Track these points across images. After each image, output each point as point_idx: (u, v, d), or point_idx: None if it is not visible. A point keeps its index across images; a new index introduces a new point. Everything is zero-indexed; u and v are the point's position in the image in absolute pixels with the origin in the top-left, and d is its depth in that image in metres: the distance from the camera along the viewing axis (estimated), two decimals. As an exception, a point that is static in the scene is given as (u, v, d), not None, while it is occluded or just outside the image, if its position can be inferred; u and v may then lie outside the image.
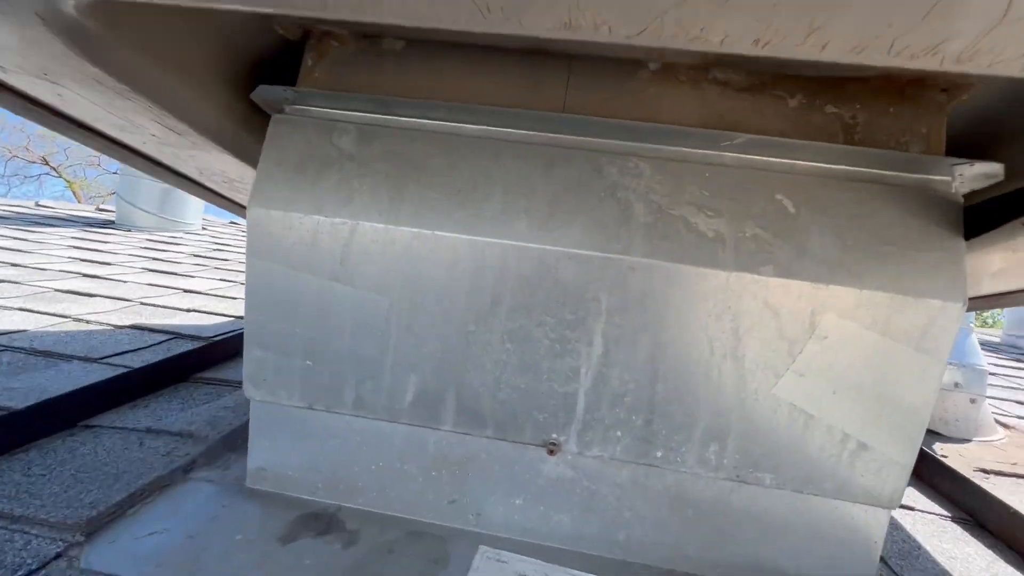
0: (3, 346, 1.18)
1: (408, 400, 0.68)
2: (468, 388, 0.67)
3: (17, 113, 0.68)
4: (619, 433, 0.66)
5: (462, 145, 0.65)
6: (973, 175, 0.59)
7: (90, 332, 1.36)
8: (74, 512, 0.64)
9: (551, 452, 0.66)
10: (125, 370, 1.06)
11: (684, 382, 0.63)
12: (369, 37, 0.70)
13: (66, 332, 1.34)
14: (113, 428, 0.87)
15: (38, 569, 0.56)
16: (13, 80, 0.62)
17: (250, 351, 0.69)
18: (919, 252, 0.59)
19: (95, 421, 0.89)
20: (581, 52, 0.67)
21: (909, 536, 0.84)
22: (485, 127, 0.65)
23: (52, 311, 1.49)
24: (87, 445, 0.81)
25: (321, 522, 0.69)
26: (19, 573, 0.55)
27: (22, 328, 1.32)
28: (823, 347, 0.60)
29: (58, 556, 0.58)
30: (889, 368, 0.60)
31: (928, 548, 0.81)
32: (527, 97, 0.67)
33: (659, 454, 0.65)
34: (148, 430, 0.87)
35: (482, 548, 0.67)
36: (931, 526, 0.89)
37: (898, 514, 0.91)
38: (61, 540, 0.60)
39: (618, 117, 0.64)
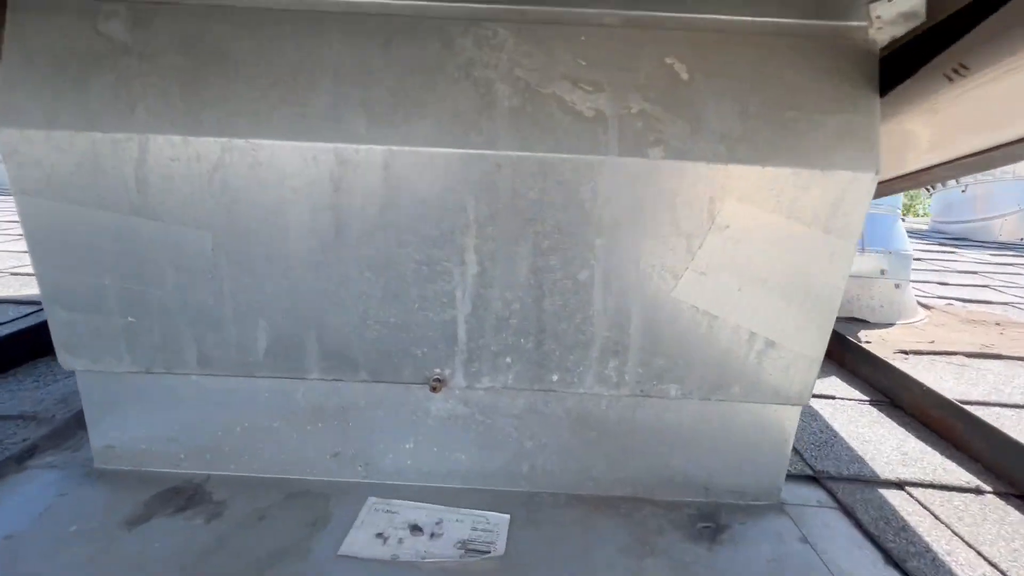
0: None
1: (262, 350, 0.58)
2: (329, 329, 0.57)
3: None
4: (509, 360, 0.58)
5: (274, 21, 0.50)
6: (891, 17, 0.49)
7: (-64, 309, 1.17)
8: None
9: (434, 389, 0.58)
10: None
11: (574, 295, 0.55)
12: None
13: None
14: (-62, 419, 0.73)
15: None
16: None
17: (53, 314, 0.56)
18: (827, 116, 0.50)
19: (-81, 412, 0.75)
20: None
21: (827, 425, 0.83)
22: (298, -5, 0.50)
23: None
24: (-101, 443, 0.67)
25: (182, 497, 0.60)
26: None
27: None
28: (724, 239, 0.52)
29: None
30: (796, 255, 0.53)
31: (844, 435, 0.80)
32: (355, -48, 0.51)
33: (555, 378, 0.58)
34: (-19, 416, 0.74)
35: (371, 500, 0.60)
36: (849, 412, 0.89)
37: (819, 404, 0.91)
38: None
39: (472, -28, 0.50)
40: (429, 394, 0.60)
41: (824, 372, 1.06)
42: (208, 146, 0.50)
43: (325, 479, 0.63)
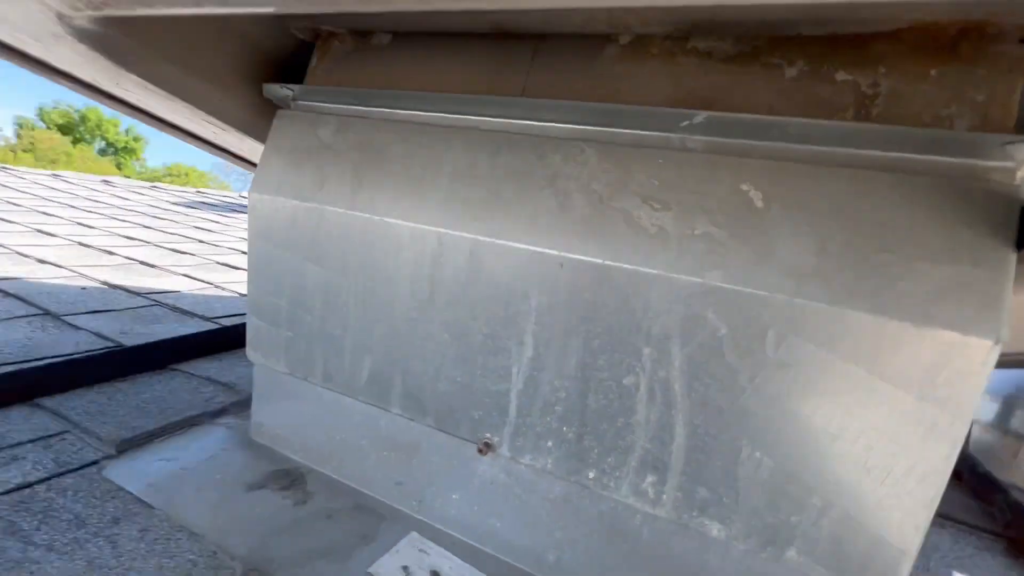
0: (155, 301, 1.51)
1: (364, 378, 0.71)
2: (412, 374, 0.68)
3: (123, 113, 0.87)
4: (550, 443, 0.60)
5: (419, 133, 0.66)
6: None
7: (220, 297, 1.67)
8: (117, 432, 0.80)
9: (481, 452, 0.64)
10: (216, 327, 1.29)
11: (617, 398, 0.56)
12: (363, 34, 0.74)
13: (205, 296, 1.67)
14: (187, 373, 1.06)
15: (77, 469, 0.72)
16: (107, 88, 0.80)
17: (250, 319, 0.79)
18: (933, 265, 0.43)
19: (181, 366, 1.10)
20: (547, 30, 0.62)
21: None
22: (441, 114, 0.65)
23: (204, 279, 1.86)
24: (163, 384, 1.00)
25: (288, 479, 0.76)
26: (62, 469, 0.71)
27: (176, 289, 1.68)
28: (786, 378, 0.48)
29: (94, 463, 0.74)
30: (879, 418, 0.45)
31: None
32: (490, 82, 0.65)
33: (591, 475, 0.59)
34: (207, 378, 1.05)
35: (413, 534, 0.68)
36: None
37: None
38: (102, 452, 0.77)
39: (577, 99, 0.59)
40: (478, 455, 0.66)
41: (1023, 585, 0.78)
42: (359, 218, 0.67)
43: (387, 502, 0.73)
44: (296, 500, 0.71)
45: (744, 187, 0.50)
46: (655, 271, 0.52)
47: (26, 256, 1.84)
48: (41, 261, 1.81)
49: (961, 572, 0.78)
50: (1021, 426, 1.19)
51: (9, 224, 2.30)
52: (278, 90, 0.73)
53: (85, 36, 0.61)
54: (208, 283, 1.82)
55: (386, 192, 0.66)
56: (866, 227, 0.46)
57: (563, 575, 0.63)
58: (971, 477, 1.08)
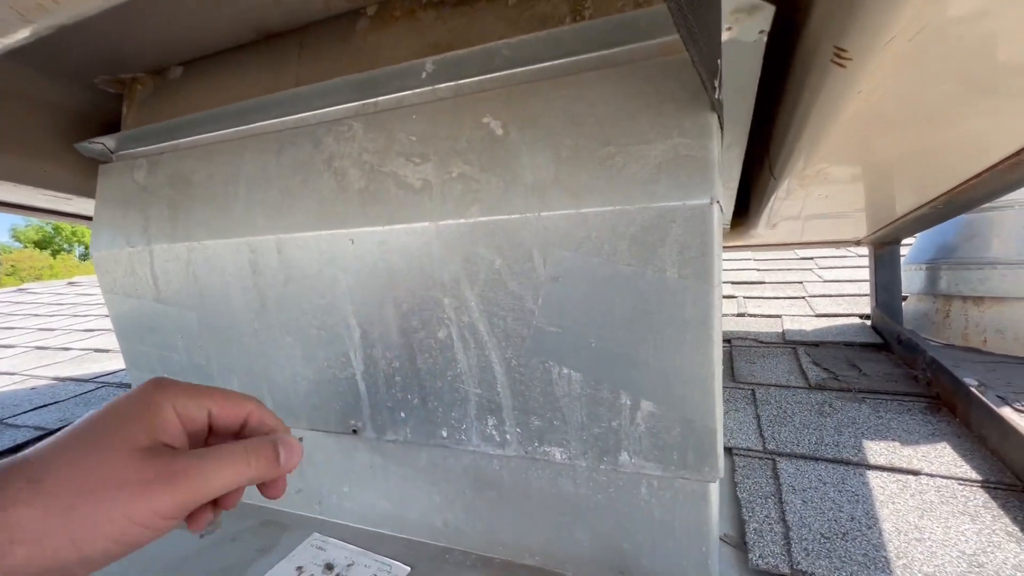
0: (102, 383, 1.53)
1: (238, 400, 0.72)
2: (274, 383, 0.69)
3: None
4: (403, 414, 0.61)
5: (217, 152, 0.67)
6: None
7: (170, 363, 1.69)
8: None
9: (355, 431, 0.65)
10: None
11: (439, 352, 0.56)
12: (159, 72, 0.75)
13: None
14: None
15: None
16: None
17: (129, 371, 0.80)
18: (647, 145, 0.44)
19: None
20: (305, 20, 0.63)
21: (870, 511, 0.62)
22: (232, 128, 0.66)
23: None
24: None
25: (200, 514, 0.77)
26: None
27: (123, 367, 1.70)
28: (560, 291, 0.49)
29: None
30: (644, 302, 0.46)
31: (889, 527, 0.59)
32: (268, 85, 0.66)
33: (444, 433, 0.60)
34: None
35: (314, 535, 0.69)
36: (931, 495, 0.65)
37: (888, 479, 0.68)
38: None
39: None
40: (355, 443, 0.67)
41: (938, 435, 0.78)
42: (180, 249, 0.68)
43: (292, 512, 0.74)
44: (204, 532, 0.72)
45: (485, 120, 0.51)
46: (427, 223, 0.52)
47: (-21, 373, 1.86)
48: (-5, 373, 1.83)
49: (874, 440, 0.79)
50: (947, 287, 1.19)
51: (-31, 346, 2.32)
52: (89, 146, 0.74)
53: None
54: (160, 353, 1.83)
55: (199, 216, 0.67)
56: (589, 128, 0.46)
57: (452, 536, 0.64)
58: (898, 347, 1.09)
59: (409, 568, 0.61)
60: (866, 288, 1.65)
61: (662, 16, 0.44)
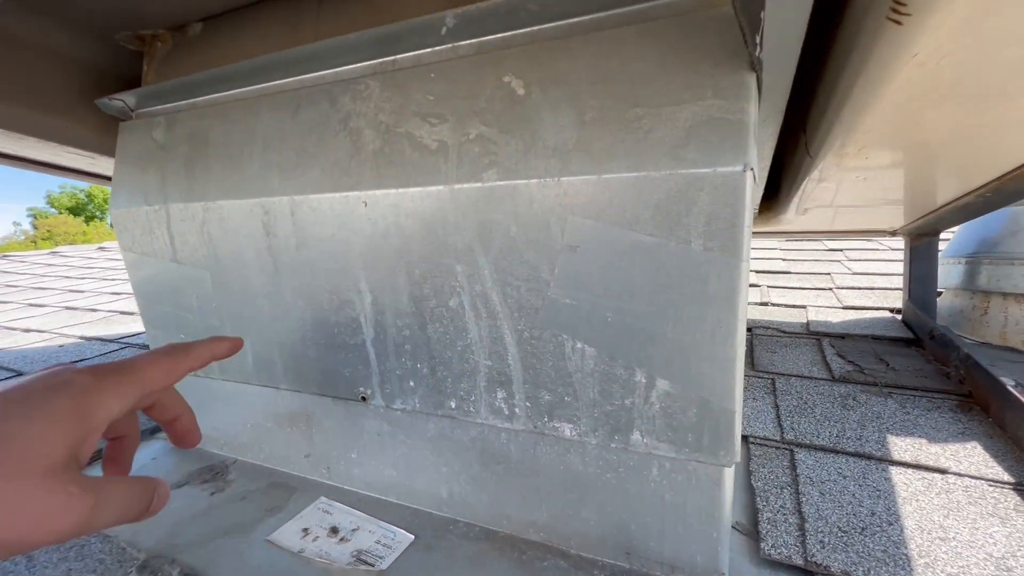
0: (125, 344, 1.57)
1: (251, 363, 0.73)
2: (286, 348, 0.68)
3: (7, 165, 0.90)
4: (412, 383, 0.60)
5: (234, 110, 0.66)
6: None
7: (190, 327, 1.72)
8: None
9: (364, 399, 0.65)
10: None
11: (450, 321, 0.55)
12: (178, 29, 0.74)
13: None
14: (139, 400, 1.10)
15: None
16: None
17: (148, 330, 0.81)
18: (677, 107, 0.41)
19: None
20: (325, -24, 0.61)
21: (891, 506, 0.60)
22: (249, 87, 0.65)
23: (178, 314, 1.91)
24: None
25: (211, 472, 0.78)
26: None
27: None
28: (577, 261, 0.46)
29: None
30: (667, 275, 0.43)
31: (911, 524, 0.57)
32: (288, 43, 0.64)
33: (452, 404, 0.59)
34: (155, 400, 1.08)
35: (321, 499, 0.69)
36: (958, 495, 0.62)
37: (913, 476, 0.65)
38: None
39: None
40: (363, 410, 0.67)
41: (968, 434, 0.75)
42: (196, 209, 0.67)
43: (300, 475, 0.75)
44: (215, 490, 0.74)
45: (506, 79, 0.48)
46: (442, 186, 0.50)
47: (13, 329, 1.93)
48: (26, 331, 1.89)
49: (900, 436, 0.76)
50: (987, 283, 1.13)
51: (3, 304, 2.40)
52: (110, 104, 0.74)
53: None
54: (181, 318, 1.87)
55: (214, 176, 0.66)
56: (618, 87, 0.44)
57: (457, 507, 0.63)
58: (931, 342, 1.04)
59: (413, 536, 0.61)
60: (897, 282, 1.58)
61: (701, -33, 0.41)
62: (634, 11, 0.44)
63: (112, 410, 0.30)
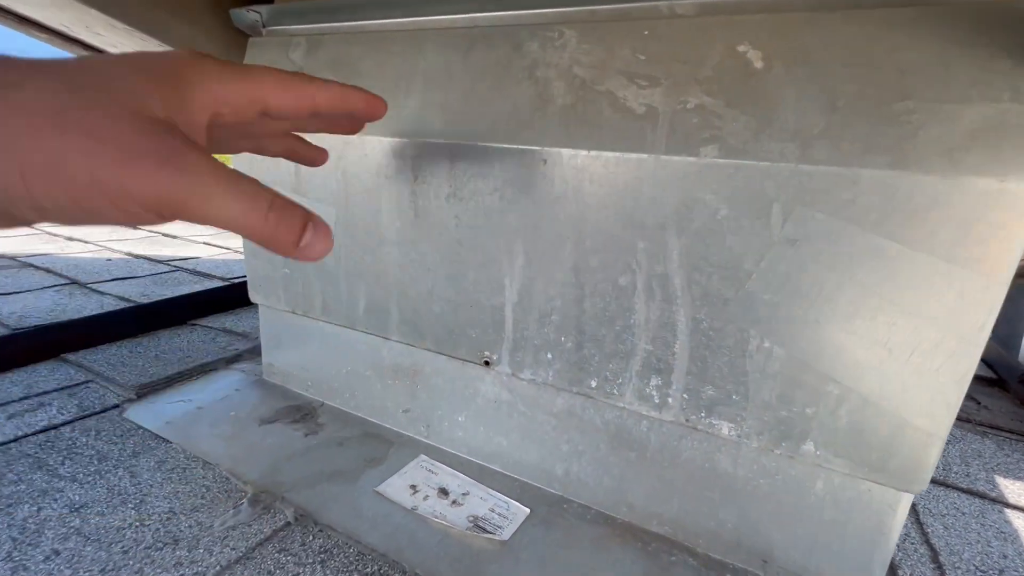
0: (176, 267, 1.55)
1: (361, 309, 0.70)
2: (407, 299, 0.66)
3: None
4: (550, 356, 0.58)
5: (390, 41, 0.62)
6: None
7: (238, 260, 1.70)
8: (137, 379, 0.82)
9: (487, 364, 0.62)
10: (227, 284, 1.31)
11: (614, 300, 0.52)
12: (327, -56, 0.69)
13: (223, 260, 1.69)
14: (205, 327, 1.08)
15: (99, 412, 0.74)
16: (76, 34, 0.78)
17: (248, 260, 0.79)
18: (962, 105, 0.37)
19: (199, 321, 1.12)
20: (518, -93, 0.56)
21: (1024, 552, 0.58)
22: (410, 18, 0.60)
23: (223, 245, 1.89)
24: (181, 337, 1.02)
25: (300, 413, 0.77)
26: (85, 412, 0.74)
27: (196, 256, 1.71)
28: (794, 256, 0.43)
29: (115, 406, 0.76)
30: (899, 286, 0.40)
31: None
32: (460, -24, 0.59)
33: (593, 383, 0.56)
34: (223, 329, 1.06)
35: (421, 456, 0.68)
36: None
37: None
38: (122, 396, 0.79)
39: (553, -21, 0.53)
40: (481, 374, 0.64)
41: (1075, 487, 0.73)
42: (335, 140, 0.64)
43: (395, 429, 0.73)
44: (308, 431, 0.72)
45: (741, 48, 0.44)
46: (644, 155, 0.47)
47: (55, 235, 1.91)
48: (69, 238, 1.87)
49: (1007, 478, 0.74)
50: (1080, 331, 1.10)
51: (40, 208, 2.38)
52: (245, 15, 0.70)
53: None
54: (226, 248, 1.85)
55: (362, 108, 0.62)
56: (882, 74, 0.40)
57: (572, 487, 0.62)
58: (1020, 387, 1.01)
59: (528, 510, 0.59)
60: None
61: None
62: (914, -8, 0.39)
63: (219, 95, 0.27)
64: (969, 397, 0.99)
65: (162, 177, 0.22)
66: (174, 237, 2.00)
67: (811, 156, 0.41)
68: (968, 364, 0.40)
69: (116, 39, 0.77)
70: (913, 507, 0.65)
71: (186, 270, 1.53)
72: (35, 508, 0.54)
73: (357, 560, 0.51)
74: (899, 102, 0.39)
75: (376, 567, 0.51)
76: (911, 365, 0.41)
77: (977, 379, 1.11)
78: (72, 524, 0.52)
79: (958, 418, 0.91)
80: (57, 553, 0.49)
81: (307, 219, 0.27)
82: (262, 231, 0.25)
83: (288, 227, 0.26)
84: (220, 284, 1.39)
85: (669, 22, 0.48)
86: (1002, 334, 1.16)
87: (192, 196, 0.23)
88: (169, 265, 1.57)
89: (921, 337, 0.41)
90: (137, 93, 0.23)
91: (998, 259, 0.37)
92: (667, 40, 0.47)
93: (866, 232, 0.40)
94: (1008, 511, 0.66)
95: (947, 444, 0.81)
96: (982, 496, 0.68)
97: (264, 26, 0.72)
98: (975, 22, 0.38)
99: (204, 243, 1.91)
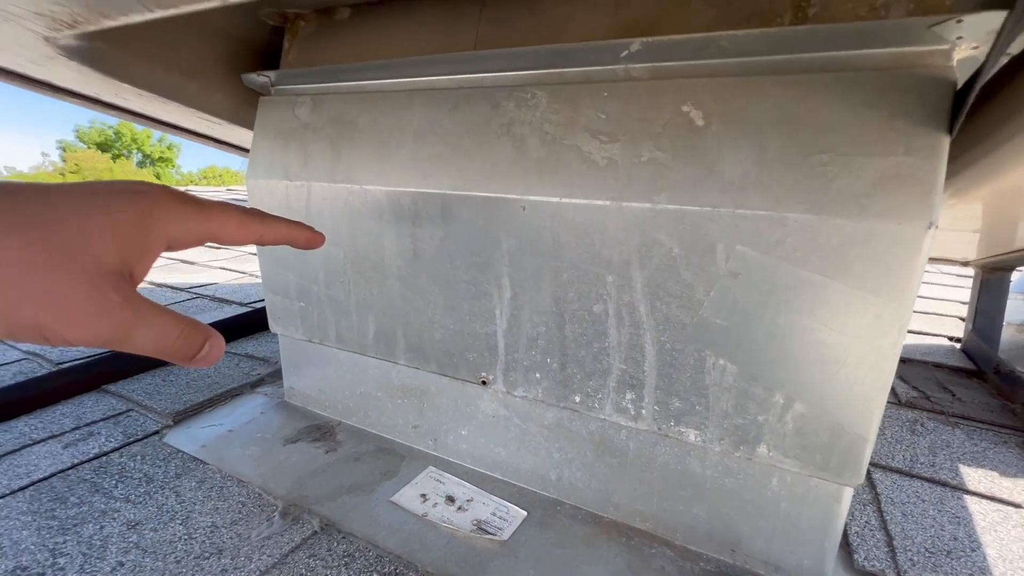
0: (196, 294, 1.64)
1: (371, 336, 0.78)
2: (411, 327, 0.73)
3: (129, 121, 0.94)
4: (538, 375, 0.65)
5: (383, 100, 0.69)
6: (979, 35, 0.41)
7: (254, 284, 1.79)
8: (172, 406, 0.91)
9: (484, 383, 0.70)
10: (252, 311, 1.39)
11: (589, 325, 0.59)
12: (325, 11, 0.77)
13: (240, 285, 1.79)
14: (228, 352, 1.17)
15: (142, 438, 0.83)
16: (109, 99, 0.87)
17: (267, 295, 0.87)
18: (867, 159, 0.44)
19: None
20: (492, -20, 0.63)
21: (971, 533, 0.64)
22: (399, 79, 0.68)
23: (239, 269, 1.99)
24: (207, 363, 1.11)
25: (320, 432, 0.85)
26: (130, 439, 0.82)
27: (214, 282, 1.81)
28: (737, 287, 0.50)
29: (155, 432, 0.85)
30: (827, 315, 0.47)
31: (992, 553, 0.61)
32: (443, 41, 0.67)
33: (577, 399, 0.63)
34: (246, 355, 1.15)
35: (430, 468, 0.75)
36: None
37: (991, 507, 0.70)
38: (161, 423, 0.88)
39: (525, 45, 0.60)
40: (480, 393, 0.72)
41: (1037, 472, 0.79)
42: (340, 190, 0.72)
43: (406, 444, 0.81)
44: (327, 448, 0.80)
45: (685, 108, 0.51)
46: (607, 202, 0.54)
47: (82, 267, 2.01)
48: (95, 269, 1.97)
49: (971, 466, 0.79)
50: (1055, 321, 1.15)
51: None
52: (255, 78, 0.78)
53: (74, 53, 0.67)
54: (242, 273, 1.94)
55: (360, 160, 0.70)
56: (803, 131, 0.46)
57: (564, 491, 0.69)
58: (995, 377, 1.07)
59: (525, 512, 0.67)
60: (952, 308, 1.60)
61: (893, 27, 0.43)
62: (827, 58, 0.46)
63: (173, 237, 0.30)
64: (945, 389, 1.05)
65: (98, 330, 0.26)
66: (191, 263, 2.10)
67: (745, 202, 0.48)
68: (887, 374, 0.47)
69: (141, 104, 0.85)
70: (875, 496, 0.71)
71: (206, 297, 1.62)
72: (98, 527, 0.63)
73: (376, 562, 0.59)
74: (817, 155, 0.46)
75: (393, 567, 0.58)
76: (840, 377, 0.48)
77: (957, 371, 1.17)
78: (131, 539, 0.61)
79: (932, 410, 0.97)
80: (122, 565, 0.57)
81: (206, 339, 0.31)
82: (168, 355, 0.30)
83: (189, 347, 0.30)
84: (239, 310, 1.48)
85: (626, 84, 0.55)
86: (981, 327, 1.21)
87: (115, 341, 0.27)
88: (190, 293, 1.67)
89: (847, 353, 0.47)
90: (98, 252, 0.26)
91: (903, 288, 0.44)
92: (624, 100, 0.54)
93: (795, 267, 0.47)
94: (967, 497, 0.72)
95: (917, 436, 0.87)
96: (943, 484, 0.75)
97: (273, 86, 0.80)
98: (879, 87, 0.44)
99: (220, 268, 2.01)
